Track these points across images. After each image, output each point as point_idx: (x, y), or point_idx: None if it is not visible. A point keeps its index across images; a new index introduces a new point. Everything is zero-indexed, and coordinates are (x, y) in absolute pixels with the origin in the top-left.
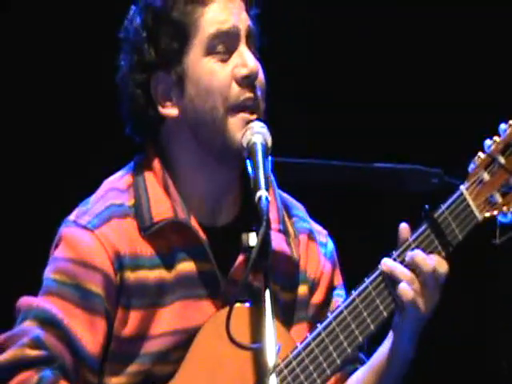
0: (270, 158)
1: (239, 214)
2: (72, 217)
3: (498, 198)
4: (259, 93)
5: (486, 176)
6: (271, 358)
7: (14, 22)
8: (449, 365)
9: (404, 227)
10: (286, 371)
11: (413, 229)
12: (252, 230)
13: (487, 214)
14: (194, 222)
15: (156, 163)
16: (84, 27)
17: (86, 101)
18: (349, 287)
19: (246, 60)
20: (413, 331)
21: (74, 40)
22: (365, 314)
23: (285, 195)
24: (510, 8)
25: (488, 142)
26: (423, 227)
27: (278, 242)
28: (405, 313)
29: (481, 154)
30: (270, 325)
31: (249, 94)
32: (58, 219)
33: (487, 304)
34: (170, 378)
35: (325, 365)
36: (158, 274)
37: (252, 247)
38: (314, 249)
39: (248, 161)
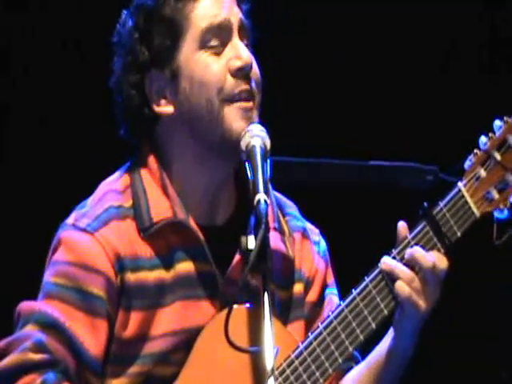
0: (268, 160)
1: (234, 213)
2: (70, 220)
3: (495, 195)
4: (254, 84)
5: (482, 173)
6: (269, 361)
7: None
8: (448, 364)
9: (402, 225)
10: (288, 371)
11: (410, 226)
12: (249, 232)
13: (484, 211)
14: (192, 222)
15: (153, 163)
16: (84, 27)
17: (84, 101)
18: (347, 286)
19: (239, 52)
20: (412, 329)
21: (73, 40)
22: (365, 312)
23: (277, 194)
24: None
25: (483, 138)
26: (422, 224)
27: (273, 240)
28: (404, 311)
29: (477, 151)
30: (269, 327)
31: (244, 86)
32: (54, 223)
33: (487, 304)
34: (171, 378)
35: (327, 364)
36: (158, 274)
37: (251, 250)
38: (308, 247)
39: (247, 163)
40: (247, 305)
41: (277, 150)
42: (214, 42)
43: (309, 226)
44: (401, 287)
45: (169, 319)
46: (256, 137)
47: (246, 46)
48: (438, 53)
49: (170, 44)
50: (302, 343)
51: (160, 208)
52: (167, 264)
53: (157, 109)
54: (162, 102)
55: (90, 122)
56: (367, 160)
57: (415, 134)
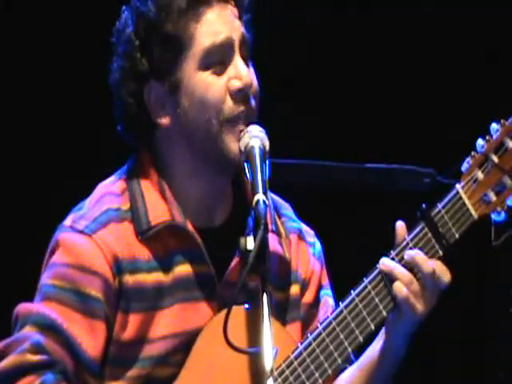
0: (267, 161)
1: (231, 214)
2: (68, 222)
3: (493, 197)
4: (253, 103)
5: (480, 175)
6: (268, 362)
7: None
8: (447, 364)
9: (400, 226)
10: (287, 371)
11: (408, 228)
12: (248, 233)
13: (482, 213)
14: (189, 225)
15: (150, 168)
16: (83, 28)
17: (81, 102)
18: (344, 287)
19: (240, 72)
20: (407, 331)
21: (72, 41)
22: (364, 313)
23: (272, 195)
24: (500, 8)
25: (480, 141)
26: (420, 226)
27: (270, 242)
28: (401, 312)
29: (474, 154)
30: (268, 328)
31: (243, 107)
32: (51, 224)
33: (487, 304)
34: (170, 380)
35: (326, 364)
36: (156, 277)
37: (250, 251)
38: (303, 249)
39: (246, 164)
40: (246, 306)
41: (275, 151)
42: (215, 61)
43: (304, 227)
44: (399, 288)
45: (168, 322)
46: (255, 138)
47: (246, 58)
48: (434, 55)
49: (171, 59)
50: (301, 344)
51: (158, 211)
52: (165, 267)
53: (155, 119)
54: (161, 113)
55: (89, 122)
56: (365, 162)
57: (412, 136)
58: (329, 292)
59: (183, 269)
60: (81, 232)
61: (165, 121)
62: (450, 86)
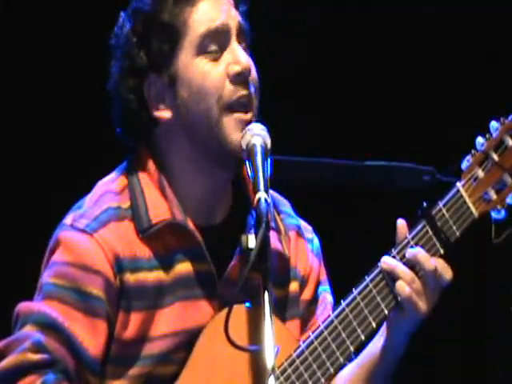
0: (269, 159)
1: (231, 212)
2: (68, 220)
3: (493, 195)
4: (253, 89)
5: (480, 173)
6: (270, 359)
7: (15, 23)
8: (447, 363)
9: (401, 224)
10: (289, 370)
11: (409, 226)
12: (248, 231)
13: (483, 211)
14: (190, 223)
15: (150, 165)
16: (83, 28)
17: (81, 102)
18: (344, 285)
19: (238, 57)
20: (408, 329)
21: (72, 41)
22: (366, 311)
23: (271, 191)
24: (500, 8)
25: (480, 139)
26: (421, 224)
27: (271, 239)
28: (403, 311)
29: (474, 152)
30: (269, 326)
31: (243, 92)
32: (50, 223)
33: (487, 302)
34: (171, 379)
35: (328, 363)
36: (157, 275)
37: (251, 249)
38: (302, 245)
39: (247, 162)
40: (247, 304)
41: (275, 151)
42: (212, 48)
43: (302, 223)
44: (401, 287)
45: (168, 320)
46: (256, 135)
47: (245, 48)
48: (434, 55)
49: (168, 49)
50: (303, 342)
51: (158, 209)
52: (166, 265)
53: (155, 113)
54: (161, 106)
55: (89, 121)
56: (364, 160)
57: (412, 135)
58: (327, 288)
59: (184, 267)
60: (82, 231)
61: (165, 114)
62: (450, 85)
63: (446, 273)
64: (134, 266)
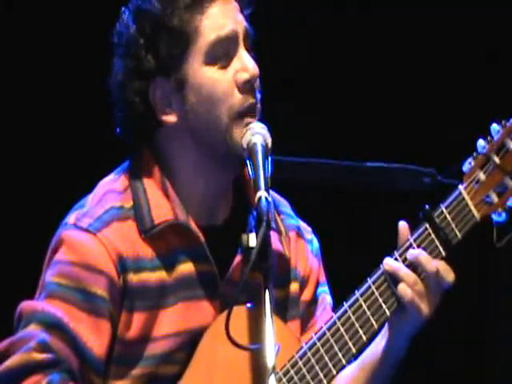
0: (270, 158)
1: (232, 211)
2: (71, 220)
3: (495, 198)
4: (259, 96)
5: (482, 176)
6: (270, 358)
7: (15, 23)
8: (448, 365)
9: (403, 226)
10: (292, 371)
11: (410, 228)
12: (249, 230)
13: (484, 214)
14: (192, 224)
15: (153, 166)
16: (83, 28)
17: (81, 102)
18: (344, 287)
19: (246, 64)
20: (410, 331)
21: (72, 41)
22: (368, 313)
23: (271, 191)
24: (500, 8)
25: (481, 142)
26: (423, 227)
27: (271, 239)
28: (406, 313)
29: (476, 155)
30: (270, 326)
31: (251, 100)
32: (49, 222)
33: (489, 305)
34: (174, 379)
35: (330, 365)
36: (159, 275)
37: (252, 248)
38: (302, 246)
39: (248, 161)
40: (249, 304)
41: (275, 151)
42: (220, 55)
43: (302, 224)
44: (404, 290)
45: (171, 320)
46: (257, 134)
47: (250, 51)
48: (434, 55)
49: (178, 54)
50: (306, 344)
51: (161, 209)
52: (168, 265)
53: (161, 117)
54: (167, 110)
55: (89, 121)
56: (364, 161)
57: (413, 136)
58: (326, 289)
59: (186, 267)
60: (85, 230)
61: (171, 118)
62: (450, 86)
63: (448, 275)
64: (137, 266)
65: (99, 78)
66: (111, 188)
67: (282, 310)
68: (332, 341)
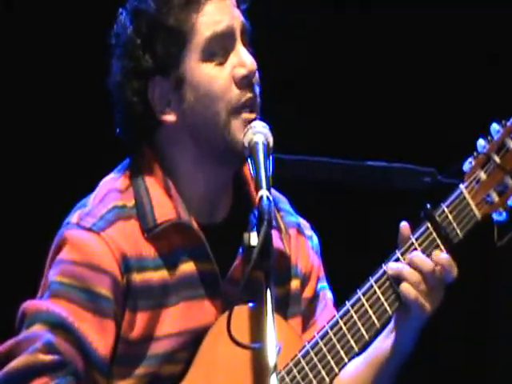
0: (271, 157)
1: (232, 209)
2: (74, 219)
3: (495, 197)
4: (257, 90)
5: (482, 175)
6: (272, 357)
7: (15, 23)
8: (450, 363)
9: (405, 226)
10: (295, 370)
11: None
12: (251, 229)
13: (485, 213)
14: (194, 223)
15: (154, 165)
16: (83, 28)
17: (81, 101)
18: (344, 286)
19: (243, 59)
20: (417, 326)
21: (72, 41)
22: (371, 312)
23: None
24: (501, 9)
25: (482, 142)
26: (424, 226)
27: (273, 237)
28: (411, 312)
29: (476, 154)
30: (271, 325)
31: (249, 95)
32: (49, 221)
33: (489, 304)
34: (177, 378)
35: (333, 363)
36: (162, 275)
37: (253, 247)
38: (303, 243)
39: (249, 160)
40: (250, 304)
41: (275, 151)
42: (218, 51)
43: (302, 220)
44: (408, 290)
45: (173, 320)
46: (259, 133)
47: (247, 46)
48: (434, 56)
49: (175, 53)
50: (309, 343)
51: (163, 208)
52: (170, 264)
53: (160, 116)
54: (166, 109)
55: (89, 121)
56: (364, 160)
57: (413, 136)
58: (325, 285)
59: (188, 267)
60: (89, 229)
61: (170, 117)
62: (450, 86)
63: (452, 270)
64: (140, 266)
65: (99, 77)
66: (113, 187)
67: (283, 307)
68: (334, 339)
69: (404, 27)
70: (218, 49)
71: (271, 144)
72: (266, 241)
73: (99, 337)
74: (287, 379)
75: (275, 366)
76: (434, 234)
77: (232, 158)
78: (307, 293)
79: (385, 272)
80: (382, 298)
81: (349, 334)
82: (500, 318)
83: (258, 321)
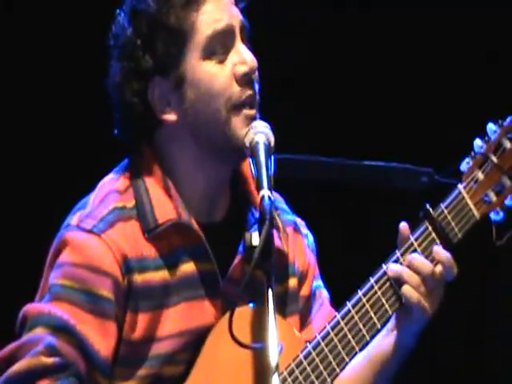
0: (272, 157)
1: (230, 208)
2: (74, 221)
3: (493, 197)
4: (257, 87)
5: (480, 175)
6: (273, 357)
7: (15, 23)
8: (448, 363)
9: (404, 226)
10: (297, 371)
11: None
12: (251, 228)
13: (484, 213)
14: (194, 223)
15: (154, 164)
16: (83, 28)
17: (81, 101)
18: (342, 286)
19: (244, 57)
20: (417, 329)
21: (72, 41)
22: (371, 312)
23: None
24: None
25: (478, 142)
26: (424, 226)
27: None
28: (412, 314)
29: (474, 154)
30: (273, 324)
31: (250, 92)
32: (48, 222)
33: (487, 303)
34: (179, 379)
35: (334, 364)
36: (162, 275)
37: (255, 247)
38: (299, 241)
39: (251, 160)
40: (251, 304)
41: (275, 151)
42: (218, 49)
43: (297, 219)
44: (409, 292)
45: (174, 320)
46: (260, 133)
47: (246, 43)
48: (433, 55)
49: (175, 53)
50: (310, 343)
51: (164, 208)
52: (171, 265)
53: (160, 116)
54: (166, 109)
55: (89, 121)
56: (362, 159)
57: (412, 136)
58: (320, 283)
59: (188, 267)
60: (89, 231)
61: (170, 117)
62: (450, 85)
63: (453, 267)
64: (141, 266)
65: (99, 78)
66: (113, 188)
67: (281, 305)
68: (336, 340)
69: (403, 26)
70: (219, 47)
71: (272, 144)
72: (268, 241)
73: (101, 338)
74: (289, 380)
75: (277, 366)
76: (434, 234)
77: (232, 154)
78: (304, 291)
79: (385, 272)
80: (383, 299)
81: (350, 334)
82: (498, 318)
83: (260, 321)
